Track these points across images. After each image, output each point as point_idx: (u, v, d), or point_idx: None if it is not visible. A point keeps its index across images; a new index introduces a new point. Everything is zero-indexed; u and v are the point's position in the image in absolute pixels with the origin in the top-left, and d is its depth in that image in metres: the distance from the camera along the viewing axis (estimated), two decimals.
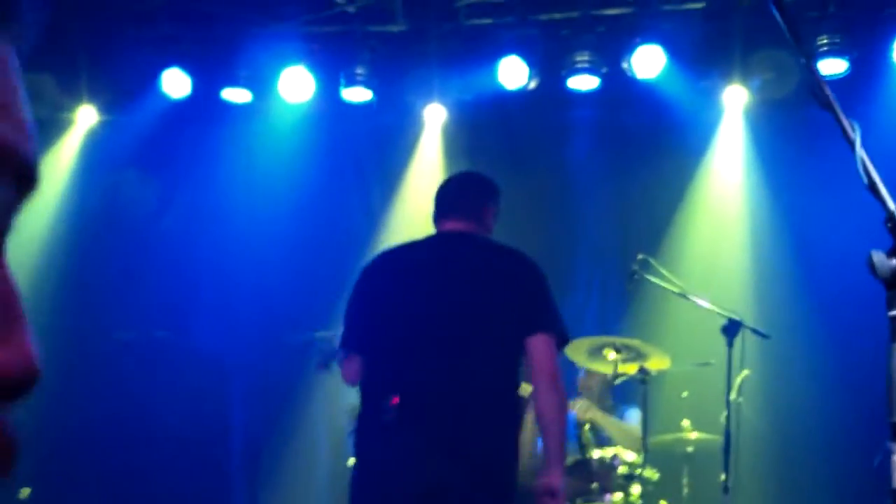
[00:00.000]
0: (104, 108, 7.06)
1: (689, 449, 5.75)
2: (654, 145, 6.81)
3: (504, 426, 3.40)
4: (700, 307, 5.22)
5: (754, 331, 5.10)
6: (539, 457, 5.26)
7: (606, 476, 5.17)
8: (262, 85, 6.70)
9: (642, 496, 5.20)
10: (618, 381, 5.41)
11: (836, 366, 6.02)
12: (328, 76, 6.66)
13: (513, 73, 6.32)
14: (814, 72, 2.09)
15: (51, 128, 7.04)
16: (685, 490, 5.67)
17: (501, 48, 6.33)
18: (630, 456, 5.24)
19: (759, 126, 6.64)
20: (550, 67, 6.39)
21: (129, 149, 7.03)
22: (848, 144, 1.89)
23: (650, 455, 5.29)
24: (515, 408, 3.52)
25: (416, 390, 3.32)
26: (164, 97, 6.74)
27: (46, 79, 6.72)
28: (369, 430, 3.41)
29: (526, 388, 3.68)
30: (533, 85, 6.34)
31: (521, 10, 6.32)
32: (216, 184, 7.15)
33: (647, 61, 6.18)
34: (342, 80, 6.52)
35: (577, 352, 5.33)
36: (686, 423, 5.75)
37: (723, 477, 4.80)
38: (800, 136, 6.27)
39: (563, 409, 3.35)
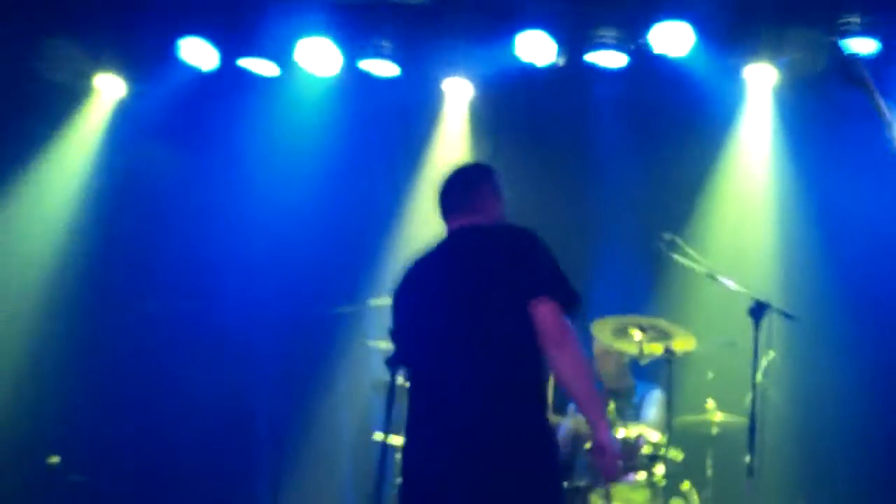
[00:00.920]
0: (126, 75, 7.05)
1: (714, 430, 5.71)
2: (680, 124, 6.74)
3: (529, 411, 3.39)
4: (727, 288, 5.17)
5: (781, 312, 5.04)
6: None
7: (631, 455, 5.14)
8: (286, 57, 6.68)
9: (666, 476, 5.17)
10: (644, 362, 5.38)
11: (864, 349, 5.96)
12: (353, 49, 6.62)
13: (539, 48, 6.26)
14: (848, 51, 2.03)
15: (72, 95, 7.04)
16: (709, 471, 5.63)
17: (526, 22, 6.27)
18: (655, 436, 5.21)
19: (786, 105, 6.56)
20: (576, 43, 6.32)
21: (153, 120, 7.03)
22: (883, 124, 1.85)
23: (674, 435, 5.26)
24: (538, 386, 3.50)
25: (442, 392, 3.38)
26: (186, 67, 6.73)
27: (67, 44, 6.72)
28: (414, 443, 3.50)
29: None
30: (562, 62, 6.28)
31: None
32: (241, 155, 7.13)
33: (675, 38, 6.10)
34: (366, 53, 6.48)
35: (602, 331, 5.31)
36: (711, 404, 5.71)
37: (748, 459, 4.76)
38: (828, 116, 6.19)
39: (578, 364, 3.23)
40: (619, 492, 5.10)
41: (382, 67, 6.55)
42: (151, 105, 7.02)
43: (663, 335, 5.27)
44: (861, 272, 5.84)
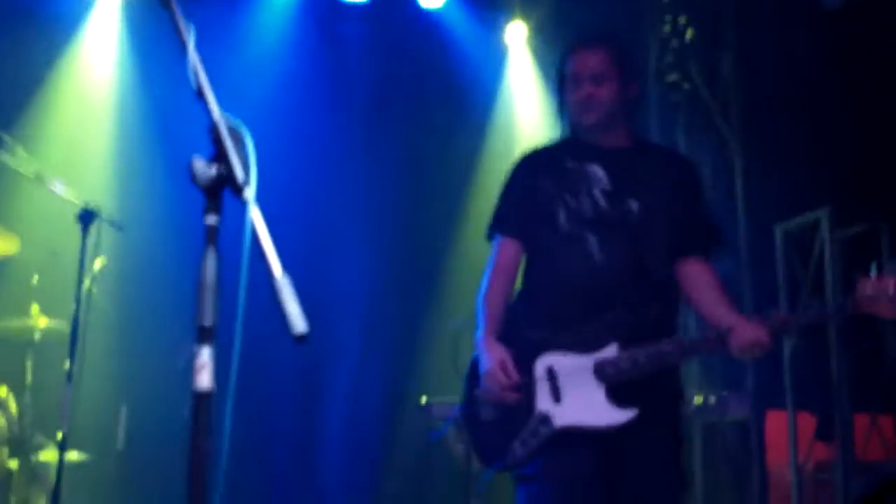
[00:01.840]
0: None
1: (37, 336, 5.56)
2: None
3: None
4: (55, 192, 5.00)
5: (110, 222, 5.03)
6: None
7: None
8: None
9: None
10: None
11: (189, 249, 6.17)
12: None
13: None
14: None
15: None
16: (29, 377, 5.49)
17: None
18: None
19: (136, 21, 6.53)
20: None
21: None
22: (183, 47, 1.87)
23: None
24: None
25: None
26: None
27: None
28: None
29: None
30: None
31: None
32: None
33: None
34: None
35: None
36: (35, 309, 5.55)
37: (67, 365, 4.71)
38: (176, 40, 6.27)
39: None
40: None
41: None
42: None
43: None
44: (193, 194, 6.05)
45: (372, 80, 7.00)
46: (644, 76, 6.44)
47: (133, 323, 6.17)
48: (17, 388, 5.39)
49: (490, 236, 3.41)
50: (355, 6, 6.87)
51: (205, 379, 1.78)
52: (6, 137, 5.00)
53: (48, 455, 5.33)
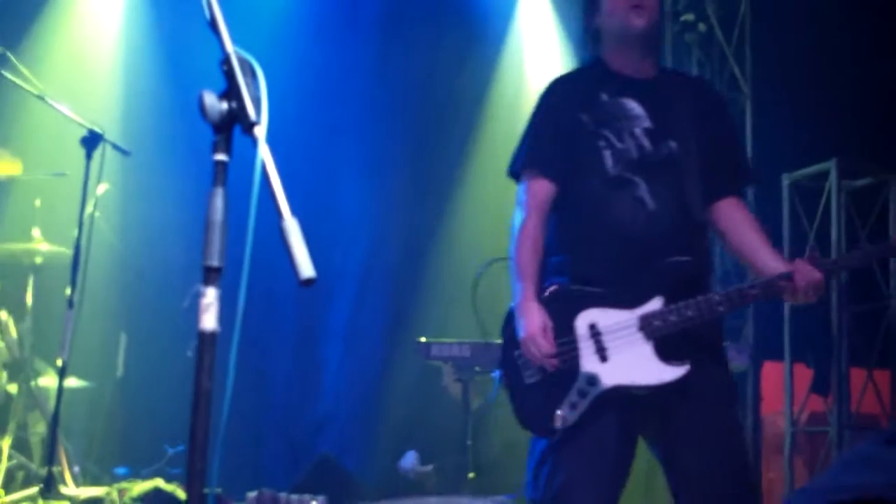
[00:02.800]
0: None
1: (38, 260, 5.54)
2: None
3: None
4: (59, 113, 4.94)
5: (115, 146, 4.98)
6: None
7: None
8: None
9: None
10: None
11: (194, 181, 6.12)
12: None
13: None
14: None
15: None
16: (29, 301, 5.48)
17: None
18: None
19: None
20: None
21: None
22: None
23: None
24: None
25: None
26: None
27: None
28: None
29: None
30: None
31: None
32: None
33: None
34: None
35: None
36: (36, 233, 5.52)
37: (68, 291, 4.70)
38: None
39: None
40: None
41: None
42: None
43: None
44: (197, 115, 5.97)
45: (382, 10, 6.87)
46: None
47: (134, 251, 6.14)
48: (17, 313, 5.38)
49: (516, 173, 3.13)
50: None
51: (210, 319, 1.76)
52: (10, 55, 4.92)
53: (47, 380, 5.35)
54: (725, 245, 3.12)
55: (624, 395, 2.84)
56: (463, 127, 6.81)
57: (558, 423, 2.84)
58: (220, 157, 1.80)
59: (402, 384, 6.24)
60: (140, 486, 4.74)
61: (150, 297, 6.12)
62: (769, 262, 2.92)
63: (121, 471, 5.60)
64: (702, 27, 6.61)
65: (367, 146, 6.68)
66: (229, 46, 1.79)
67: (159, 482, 4.74)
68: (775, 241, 5.95)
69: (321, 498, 3.96)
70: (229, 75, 1.78)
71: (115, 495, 4.73)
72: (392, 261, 6.61)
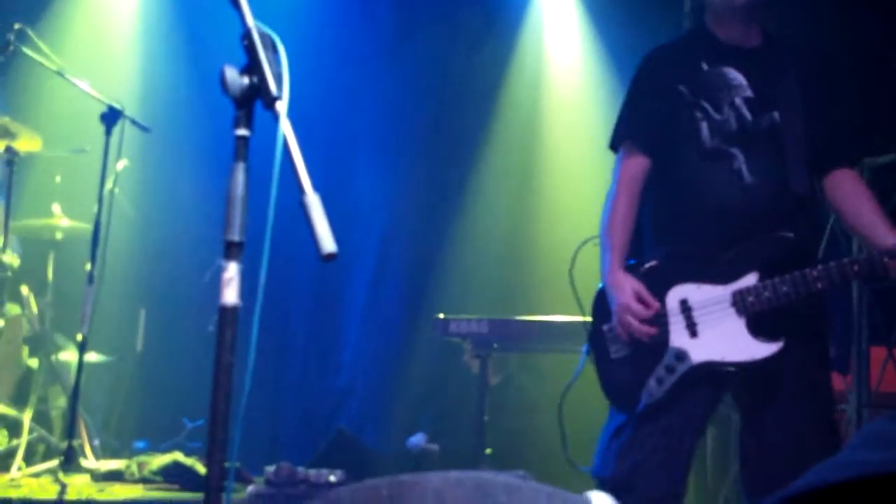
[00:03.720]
0: None
1: (59, 235, 5.58)
2: None
3: None
4: (79, 89, 4.95)
5: (134, 122, 4.98)
6: None
7: None
8: None
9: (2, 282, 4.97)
10: None
11: (210, 157, 6.15)
12: None
13: None
14: None
15: None
16: (50, 276, 5.51)
17: None
18: None
19: None
20: None
21: None
22: None
23: (13, 239, 5.04)
24: None
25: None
26: None
27: None
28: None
29: None
30: None
31: None
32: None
33: None
34: None
35: None
36: (56, 208, 5.55)
37: (88, 266, 4.72)
38: None
39: None
40: None
41: None
42: None
43: (6, 133, 4.95)
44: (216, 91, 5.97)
45: None
46: None
47: (154, 227, 6.17)
48: (38, 288, 5.42)
49: (615, 146, 3.08)
50: None
51: (231, 294, 1.76)
52: (30, 32, 4.92)
53: (68, 355, 5.39)
54: (841, 218, 3.00)
55: (712, 373, 2.79)
56: (483, 104, 6.78)
57: (645, 398, 2.81)
58: (242, 132, 1.80)
59: (420, 360, 6.25)
60: (159, 460, 4.79)
61: (168, 272, 6.16)
62: (886, 238, 2.81)
63: (140, 444, 5.65)
64: None
65: (387, 123, 6.66)
66: (250, 21, 1.79)
67: (178, 456, 4.77)
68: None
69: (339, 472, 3.97)
70: (250, 50, 1.78)
71: (134, 468, 4.77)
72: (411, 237, 6.60)
